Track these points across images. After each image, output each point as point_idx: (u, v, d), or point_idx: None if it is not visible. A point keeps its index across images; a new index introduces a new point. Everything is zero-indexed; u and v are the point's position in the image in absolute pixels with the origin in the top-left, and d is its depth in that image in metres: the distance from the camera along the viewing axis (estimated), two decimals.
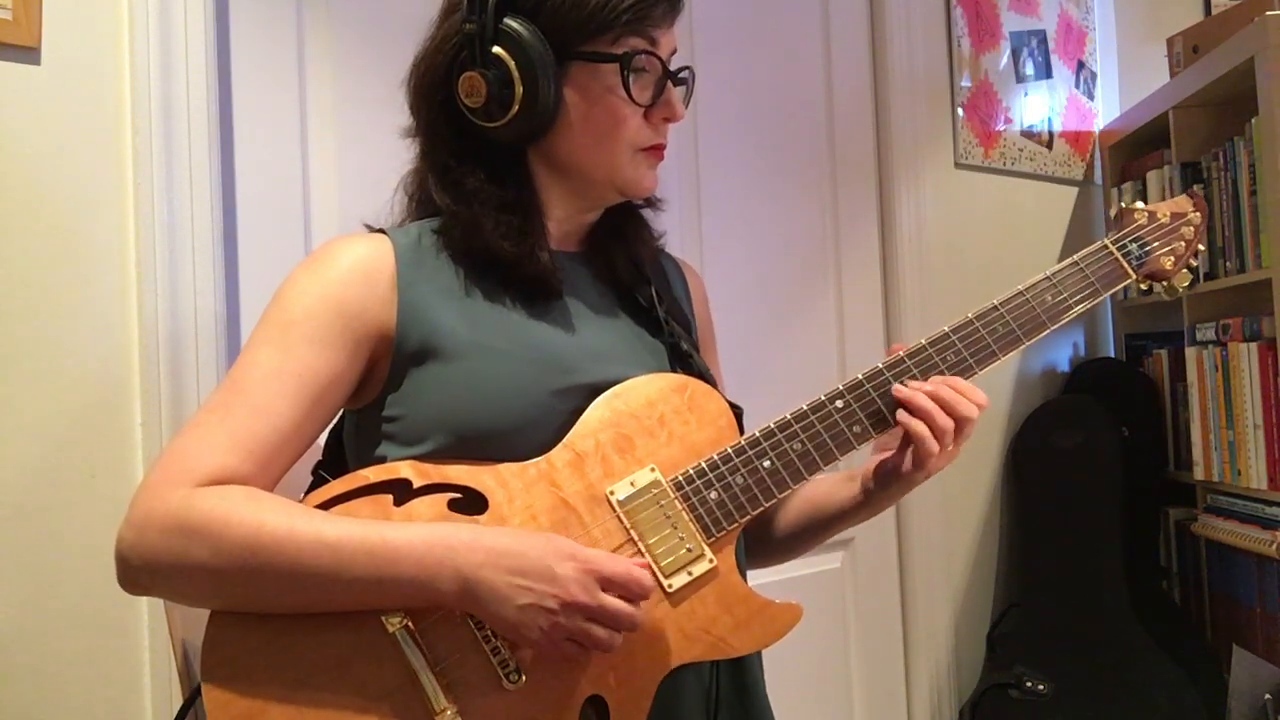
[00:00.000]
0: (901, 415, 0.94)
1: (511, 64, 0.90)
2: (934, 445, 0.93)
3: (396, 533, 0.81)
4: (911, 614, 2.19)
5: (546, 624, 0.80)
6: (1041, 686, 2.05)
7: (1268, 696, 1.71)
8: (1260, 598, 1.86)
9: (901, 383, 0.95)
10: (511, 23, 0.91)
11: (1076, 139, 2.52)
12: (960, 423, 0.93)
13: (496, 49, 0.91)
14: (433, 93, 0.96)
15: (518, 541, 0.82)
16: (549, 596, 0.79)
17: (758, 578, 1.02)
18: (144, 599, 1.29)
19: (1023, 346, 1.01)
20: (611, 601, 0.81)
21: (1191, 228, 1.11)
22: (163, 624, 1.26)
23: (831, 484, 1.07)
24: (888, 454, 0.99)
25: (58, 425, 1.26)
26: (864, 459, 1.28)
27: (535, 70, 0.90)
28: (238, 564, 0.79)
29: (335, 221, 1.53)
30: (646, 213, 1.07)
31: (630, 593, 0.82)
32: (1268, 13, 1.78)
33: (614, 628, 0.81)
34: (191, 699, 0.91)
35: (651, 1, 0.92)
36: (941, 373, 0.97)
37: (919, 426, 0.93)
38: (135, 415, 1.31)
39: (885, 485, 1.00)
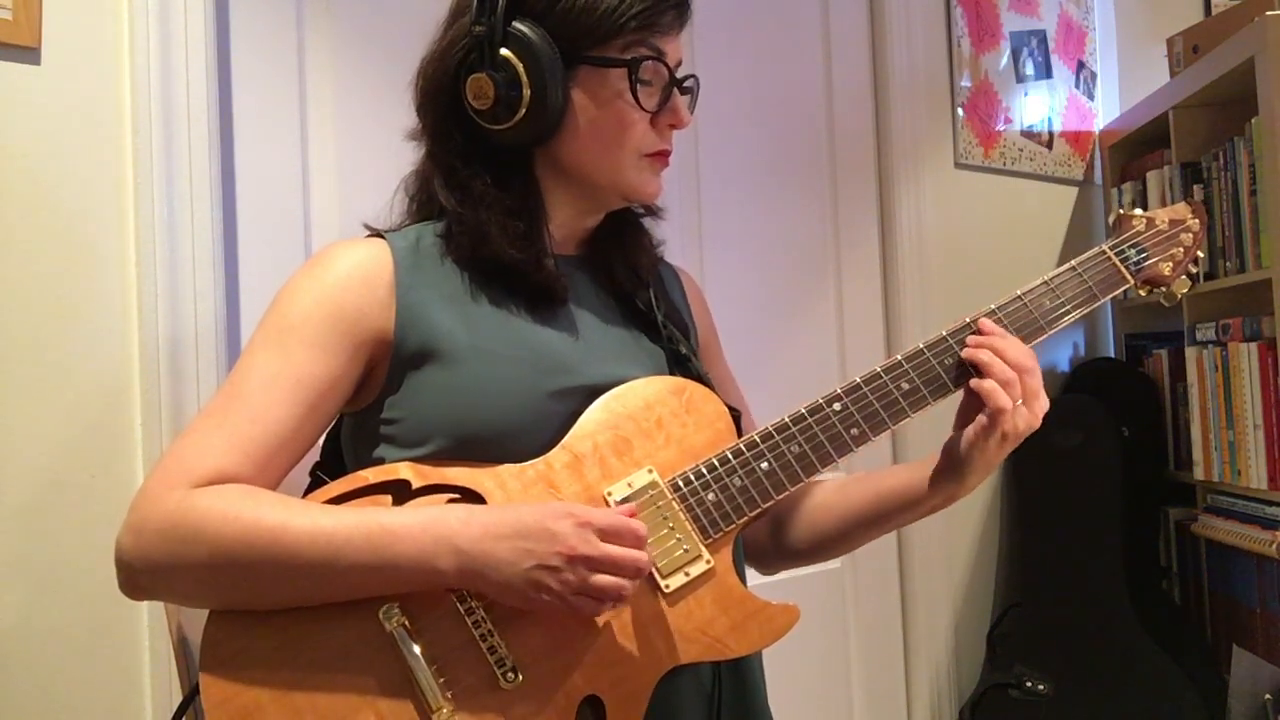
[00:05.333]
0: (974, 381, 0.93)
1: (520, 66, 0.91)
2: (1005, 400, 0.90)
3: (392, 518, 0.82)
4: (911, 614, 2.19)
5: (556, 582, 0.80)
6: (1041, 686, 2.05)
7: (1268, 696, 1.71)
8: (1260, 598, 1.86)
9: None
10: (520, 26, 0.91)
11: (1076, 139, 2.52)
12: (1021, 372, 0.92)
13: (505, 51, 0.91)
14: (440, 94, 0.96)
15: (512, 510, 0.83)
16: (552, 554, 0.80)
17: (756, 579, 1.02)
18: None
19: None
20: (613, 548, 0.81)
21: (1190, 234, 1.10)
22: (163, 624, 1.26)
23: (898, 471, 1.03)
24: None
25: (58, 427, 1.26)
26: (862, 463, 1.28)
27: (543, 73, 0.90)
28: (235, 559, 0.80)
29: (335, 222, 1.53)
30: (647, 221, 1.07)
31: (625, 540, 0.82)
32: (1268, 13, 1.78)
33: (620, 575, 0.81)
34: (190, 697, 0.92)
35: (660, 9, 0.93)
36: (939, 375, 0.97)
37: (987, 384, 0.91)
38: (135, 416, 1.31)
39: (969, 455, 0.93)
